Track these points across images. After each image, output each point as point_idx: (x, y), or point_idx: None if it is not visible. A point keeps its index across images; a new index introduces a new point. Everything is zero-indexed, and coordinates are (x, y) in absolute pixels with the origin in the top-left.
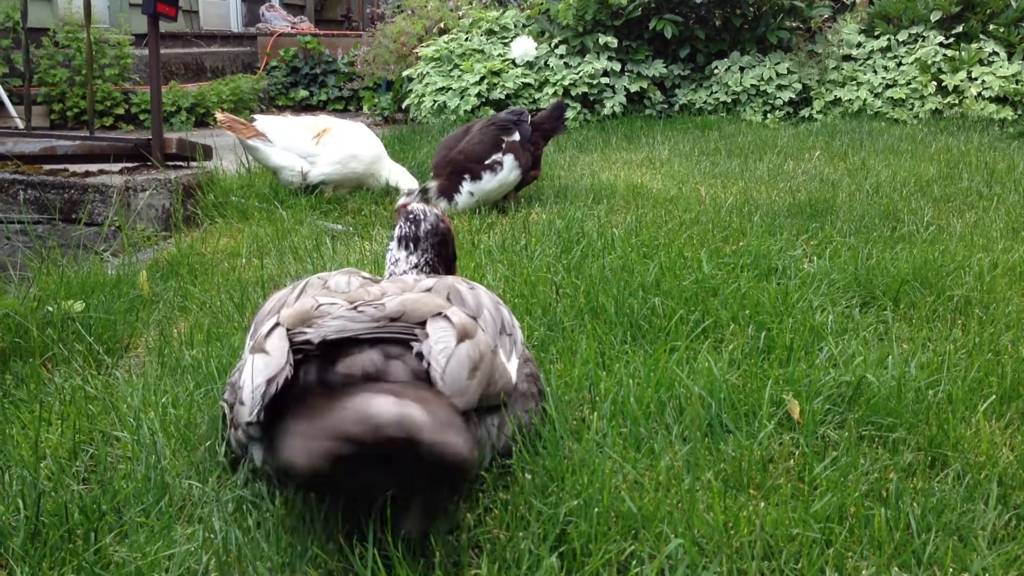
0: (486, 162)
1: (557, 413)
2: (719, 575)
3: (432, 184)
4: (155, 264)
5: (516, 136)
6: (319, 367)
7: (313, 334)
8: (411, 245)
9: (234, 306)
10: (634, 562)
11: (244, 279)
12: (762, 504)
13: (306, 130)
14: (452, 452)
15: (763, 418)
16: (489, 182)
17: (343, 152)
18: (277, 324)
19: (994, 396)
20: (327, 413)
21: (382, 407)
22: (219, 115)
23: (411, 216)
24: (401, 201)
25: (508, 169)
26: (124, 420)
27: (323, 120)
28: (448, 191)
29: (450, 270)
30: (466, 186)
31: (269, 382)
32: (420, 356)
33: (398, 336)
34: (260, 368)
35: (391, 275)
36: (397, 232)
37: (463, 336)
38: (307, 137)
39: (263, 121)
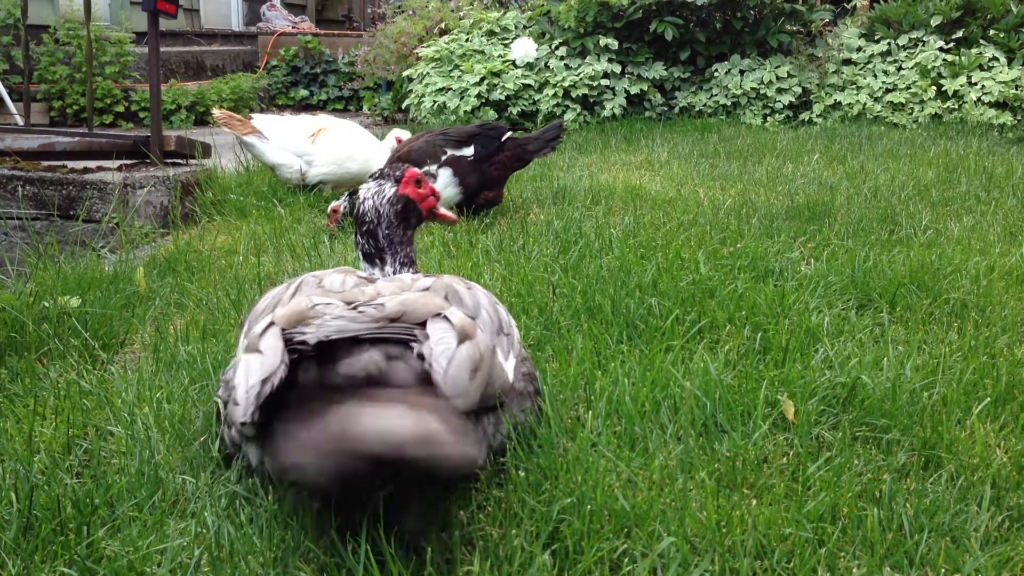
0: None
1: (552, 411)
2: (711, 573)
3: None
4: (152, 261)
5: (467, 151)
6: (320, 367)
7: (312, 334)
8: (377, 260)
9: (231, 303)
10: (626, 560)
11: (241, 276)
12: (755, 503)
13: (302, 129)
14: (468, 463)
15: (758, 418)
16: None
17: (338, 152)
18: (272, 323)
19: (989, 398)
20: (341, 425)
21: (400, 424)
22: (216, 112)
23: (363, 223)
24: (332, 205)
25: (443, 183)
26: (119, 415)
27: (320, 119)
28: None
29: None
30: None
31: (264, 382)
32: (421, 357)
33: (398, 337)
34: (255, 368)
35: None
36: (359, 249)
37: (463, 337)
38: (303, 136)
39: (260, 119)
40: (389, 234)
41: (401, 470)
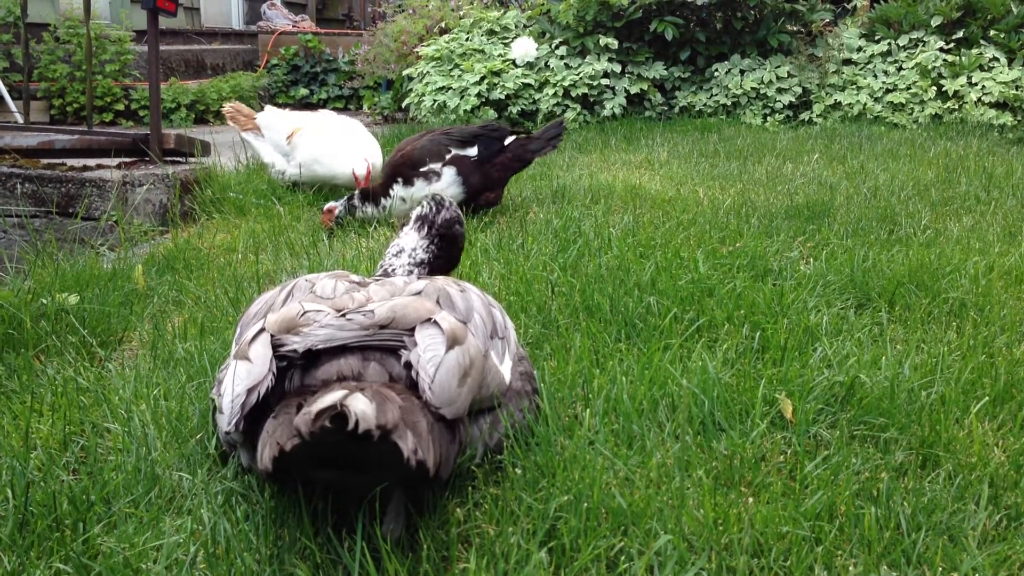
0: (422, 169)
1: (550, 409)
2: (707, 571)
3: (356, 193)
4: (151, 258)
5: (470, 151)
6: (302, 373)
7: (300, 343)
8: (427, 227)
9: (229, 301)
10: (623, 558)
11: (240, 274)
12: (752, 501)
13: (287, 126)
14: (402, 451)
15: (756, 417)
16: (420, 190)
17: (307, 153)
18: (262, 330)
19: (987, 398)
20: (292, 412)
21: (330, 400)
22: (226, 105)
23: (435, 199)
24: (328, 206)
25: (446, 182)
26: (115, 412)
27: (305, 117)
28: (377, 195)
29: (449, 270)
30: (397, 190)
31: (249, 392)
32: (408, 365)
33: (386, 344)
34: (242, 376)
35: (385, 268)
36: (417, 212)
37: (453, 342)
38: (285, 134)
39: (263, 114)
40: (432, 220)
41: (352, 449)
